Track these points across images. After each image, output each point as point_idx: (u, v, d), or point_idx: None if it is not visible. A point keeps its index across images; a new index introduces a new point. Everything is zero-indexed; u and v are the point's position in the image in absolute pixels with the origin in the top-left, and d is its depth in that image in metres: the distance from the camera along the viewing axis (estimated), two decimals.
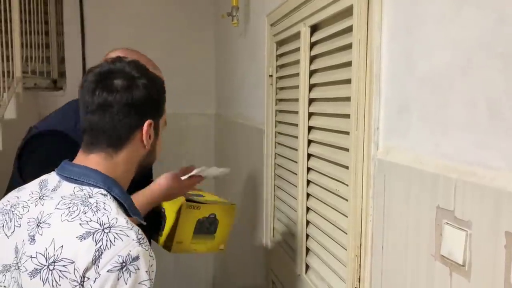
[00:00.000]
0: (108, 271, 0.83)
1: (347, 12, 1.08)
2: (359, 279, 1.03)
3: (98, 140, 0.95)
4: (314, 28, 1.33)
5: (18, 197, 0.97)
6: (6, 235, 0.94)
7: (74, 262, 0.84)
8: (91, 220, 0.87)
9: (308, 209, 1.39)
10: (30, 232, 0.89)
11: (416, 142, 0.85)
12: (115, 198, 0.93)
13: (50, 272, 0.85)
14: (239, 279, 2.54)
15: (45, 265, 0.86)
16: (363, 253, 1.02)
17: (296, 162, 1.46)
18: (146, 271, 0.85)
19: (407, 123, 0.88)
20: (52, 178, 0.97)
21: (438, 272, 0.76)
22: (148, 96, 0.96)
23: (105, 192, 0.92)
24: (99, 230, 0.85)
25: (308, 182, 1.38)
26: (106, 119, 0.94)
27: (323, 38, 1.26)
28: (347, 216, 1.09)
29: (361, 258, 1.03)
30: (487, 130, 0.67)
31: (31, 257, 0.87)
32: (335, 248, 1.18)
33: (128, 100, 0.94)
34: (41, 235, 0.88)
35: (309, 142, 1.37)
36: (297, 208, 1.46)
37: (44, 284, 0.85)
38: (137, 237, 0.87)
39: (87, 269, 0.83)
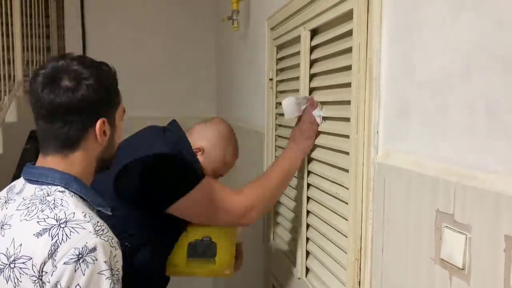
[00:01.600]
0: (64, 263, 0.84)
1: (347, 16, 1.08)
2: (359, 282, 1.03)
3: (51, 144, 0.97)
4: (314, 32, 1.33)
5: None
6: None
7: (32, 258, 0.86)
8: (48, 217, 0.89)
9: (308, 212, 1.39)
10: None
11: (416, 145, 0.86)
12: (75, 193, 0.94)
13: (12, 270, 0.87)
14: (240, 282, 2.53)
15: (7, 264, 0.88)
16: (363, 257, 1.02)
17: None
18: (105, 261, 0.86)
19: (407, 127, 0.88)
20: (19, 182, 1.00)
21: (438, 276, 0.76)
22: (95, 95, 0.95)
23: (62, 189, 0.94)
24: (55, 226, 0.88)
25: (308, 185, 1.38)
26: (56, 124, 0.95)
27: (323, 42, 1.27)
28: (347, 220, 1.09)
29: (361, 261, 1.03)
30: (487, 133, 0.68)
31: None
32: (335, 252, 1.18)
33: (74, 102, 0.93)
34: (3, 236, 0.91)
35: None
36: (297, 212, 1.46)
37: (7, 282, 0.88)
38: (94, 228, 0.88)
39: (44, 263, 0.85)
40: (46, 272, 0.85)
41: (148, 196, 1.26)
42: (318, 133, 1.32)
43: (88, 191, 0.98)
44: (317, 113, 1.30)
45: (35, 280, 0.86)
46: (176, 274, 1.47)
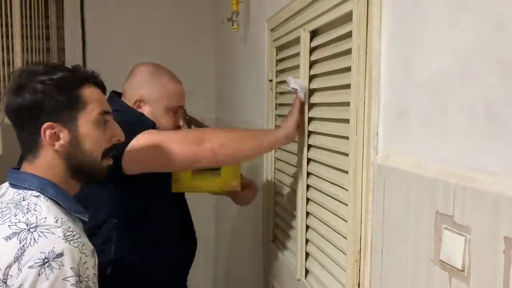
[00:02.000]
0: (29, 267, 0.84)
1: (347, 17, 1.08)
2: (359, 284, 1.03)
3: (22, 149, 1.02)
4: (314, 33, 1.33)
5: None
6: None
7: None
8: (19, 222, 0.90)
9: (307, 213, 1.39)
10: None
11: (416, 147, 0.86)
12: (50, 199, 0.95)
13: None
14: (239, 284, 2.53)
15: None
16: (363, 258, 1.02)
17: (296, 167, 1.46)
18: (72, 268, 0.85)
19: (407, 128, 0.88)
20: (4, 185, 1.02)
21: (437, 277, 0.76)
22: (41, 98, 0.95)
23: (37, 194, 0.95)
24: (25, 230, 0.88)
25: (308, 186, 1.38)
26: (16, 130, 1.00)
27: (322, 43, 1.27)
28: (346, 221, 1.09)
29: (360, 263, 1.03)
30: (487, 135, 0.68)
31: None
32: (334, 253, 1.18)
33: (17, 107, 0.95)
34: None
35: (309, 146, 1.37)
36: (297, 213, 1.46)
37: None
38: (64, 234, 0.88)
39: (9, 266, 0.85)
40: (11, 276, 0.84)
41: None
42: (303, 107, 1.34)
43: (65, 197, 0.97)
44: (293, 84, 1.33)
45: (0, 285, 0.85)
46: (181, 190, 1.45)
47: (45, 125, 0.96)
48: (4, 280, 0.85)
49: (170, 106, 1.47)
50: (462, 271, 0.70)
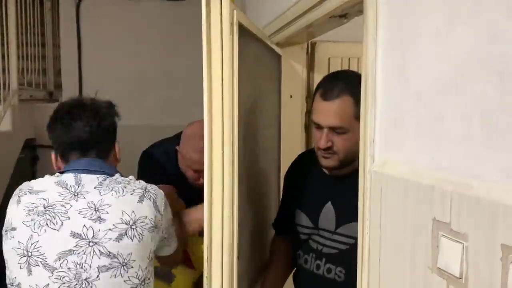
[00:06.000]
0: (164, 209, 1.30)
1: None
2: None
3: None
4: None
5: (45, 199, 1.23)
6: (54, 229, 1.20)
7: (147, 216, 1.24)
8: (135, 189, 1.26)
9: None
10: (91, 217, 1.20)
11: (412, 154, 0.86)
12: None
13: (134, 230, 1.22)
14: None
15: (128, 227, 1.21)
16: (360, 266, 1.02)
17: None
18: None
19: (403, 136, 0.89)
20: (70, 177, 1.28)
21: (435, 285, 0.76)
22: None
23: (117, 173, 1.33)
24: (145, 191, 1.27)
25: None
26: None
27: None
28: None
29: (358, 270, 1.03)
30: (483, 143, 0.68)
31: (109, 229, 1.20)
32: None
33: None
34: (108, 213, 1.21)
35: None
36: None
37: (132, 240, 1.21)
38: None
39: (155, 217, 1.26)
40: (159, 219, 1.28)
41: None
42: None
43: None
44: None
45: (153, 230, 1.25)
46: None
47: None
48: (156, 226, 1.26)
49: (190, 166, 1.72)
50: (460, 278, 0.70)
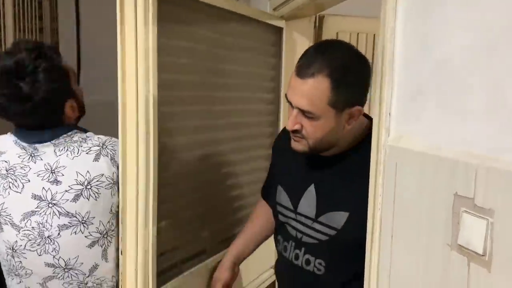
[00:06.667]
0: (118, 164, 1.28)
1: None
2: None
3: None
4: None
5: (6, 162, 1.28)
6: (17, 192, 1.26)
7: (103, 174, 1.27)
8: (91, 147, 1.28)
9: None
10: (48, 179, 1.25)
11: (432, 128, 0.82)
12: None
13: (89, 189, 1.25)
14: None
15: (83, 188, 1.24)
16: (369, 244, 0.99)
17: None
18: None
19: (422, 109, 0.85)
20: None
21: (454, 262, 0.73)
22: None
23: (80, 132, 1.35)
24: (102, 148, 1.28)
25: None
26: None
27: None
28: None
29: (367, 249, 1.00)
30: (510, 115, 0.64)
31: (66, 191, 1.24)
32: None
33: None
34: (63, 175, 1.25)
35: None
36: None
37: (88, 199, 1.24)
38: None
39: (113, 173, 1.28)
40: (117, 175, 1.27)
41: None
42: None
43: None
44: None
45: (111, 186, 1.27)
46: None
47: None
48: (114, 182, 1.28)
49: None
50: (483, 255, 0.67)
